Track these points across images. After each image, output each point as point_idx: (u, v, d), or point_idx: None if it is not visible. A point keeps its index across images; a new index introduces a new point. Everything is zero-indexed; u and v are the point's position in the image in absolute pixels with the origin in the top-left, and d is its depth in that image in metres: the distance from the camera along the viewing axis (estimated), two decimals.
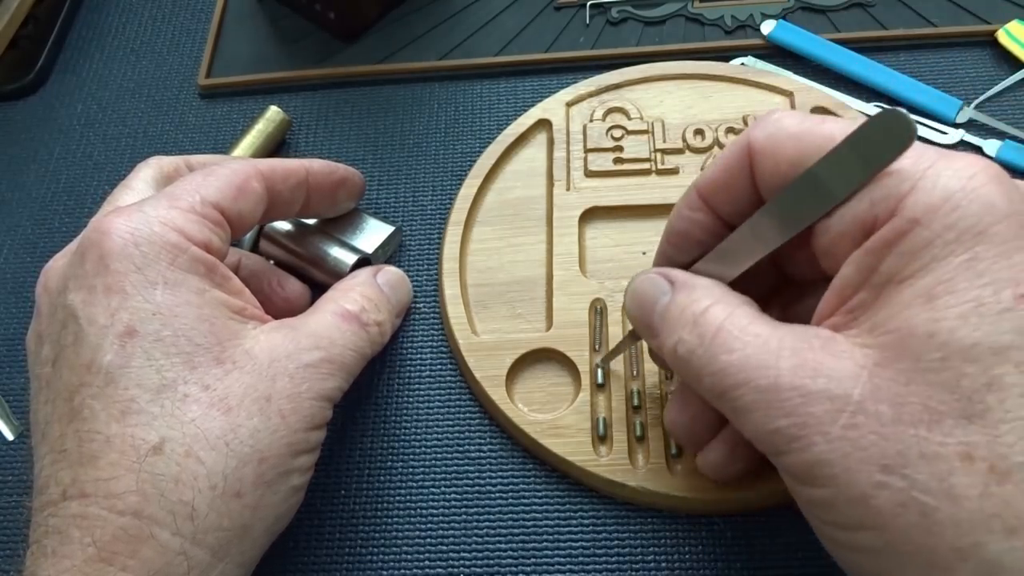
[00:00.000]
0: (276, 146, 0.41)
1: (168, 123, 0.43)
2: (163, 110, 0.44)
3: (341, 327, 0.28)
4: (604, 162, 0.37)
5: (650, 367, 0.32)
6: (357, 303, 0.30)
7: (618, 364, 0.32)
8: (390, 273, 0.33)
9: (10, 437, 0.35)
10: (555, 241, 0.35)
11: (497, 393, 0.31)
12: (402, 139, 0.41)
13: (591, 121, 0.39)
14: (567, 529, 0.30)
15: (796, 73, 0.40)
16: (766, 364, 0.21)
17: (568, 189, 0.37)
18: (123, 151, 0.43)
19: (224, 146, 0.41)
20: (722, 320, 0.23)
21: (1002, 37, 0.40)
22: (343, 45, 0.44)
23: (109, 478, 0.23)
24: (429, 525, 0.30)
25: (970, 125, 0.38)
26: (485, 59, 0.43)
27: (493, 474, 0.31)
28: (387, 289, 0.32)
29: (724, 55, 0.41)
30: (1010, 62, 0.40)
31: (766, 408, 0.21)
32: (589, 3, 0.44)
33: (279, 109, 0.41)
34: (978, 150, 0.37)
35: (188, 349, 0.25)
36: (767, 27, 0.41)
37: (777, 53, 0.41)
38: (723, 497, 0.29)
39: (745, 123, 0.38)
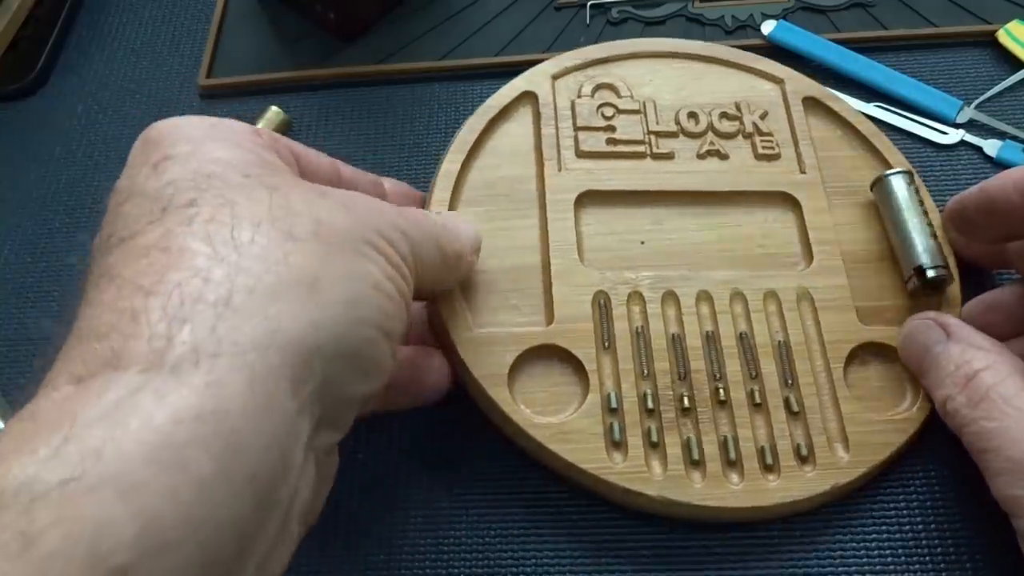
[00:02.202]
0: None
1: None
2: (163, 110, 0.44)
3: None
4: (597, 142, 0.35)
5: (661, 367, 0.30)
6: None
7: (627, 362, 0.30)
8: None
9: None
10: (550, 226, 0.33)
11: (498, 393, 0.29)
12: (402, 139, 0.41)
13: (579, 97, 0.37)
14: (568, 531, 0.30)
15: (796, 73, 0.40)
16: (1018, 439, 0.24)
17: (560, 169, 0.34)
18: (123, 151, 0.42)
19: None
20: (990, 386, 0.25)
21: (1002, 37, 0.40)
22: (343, 45, 0.44)
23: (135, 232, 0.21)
24: (429, 526, 0.30)
25: (970, 125, 0.38)
26: (485, 59, 0.43)
27: (493, 474, 0.31)
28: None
29: None
30: (1010, 62, 0.40)
31: (1010, 475, 0.24)
32: (589, 3, 0.44)
33: (279, 109, 0.41)
34: (978, 150, 0.37)
35: (229, 176, 0.22)
36: (767, 27, 0.41)
37: (777, 53, 0.41)
38: (747, 506, 0.28)
39: (738, 109, 0.36)
